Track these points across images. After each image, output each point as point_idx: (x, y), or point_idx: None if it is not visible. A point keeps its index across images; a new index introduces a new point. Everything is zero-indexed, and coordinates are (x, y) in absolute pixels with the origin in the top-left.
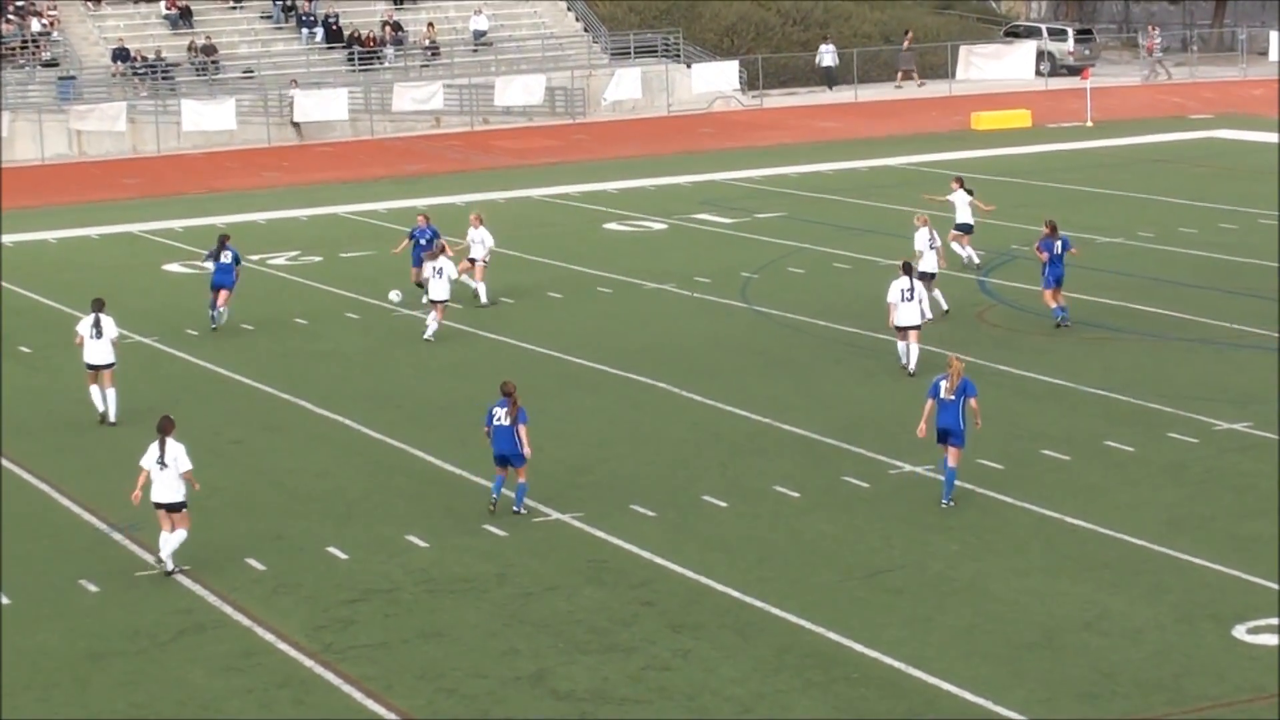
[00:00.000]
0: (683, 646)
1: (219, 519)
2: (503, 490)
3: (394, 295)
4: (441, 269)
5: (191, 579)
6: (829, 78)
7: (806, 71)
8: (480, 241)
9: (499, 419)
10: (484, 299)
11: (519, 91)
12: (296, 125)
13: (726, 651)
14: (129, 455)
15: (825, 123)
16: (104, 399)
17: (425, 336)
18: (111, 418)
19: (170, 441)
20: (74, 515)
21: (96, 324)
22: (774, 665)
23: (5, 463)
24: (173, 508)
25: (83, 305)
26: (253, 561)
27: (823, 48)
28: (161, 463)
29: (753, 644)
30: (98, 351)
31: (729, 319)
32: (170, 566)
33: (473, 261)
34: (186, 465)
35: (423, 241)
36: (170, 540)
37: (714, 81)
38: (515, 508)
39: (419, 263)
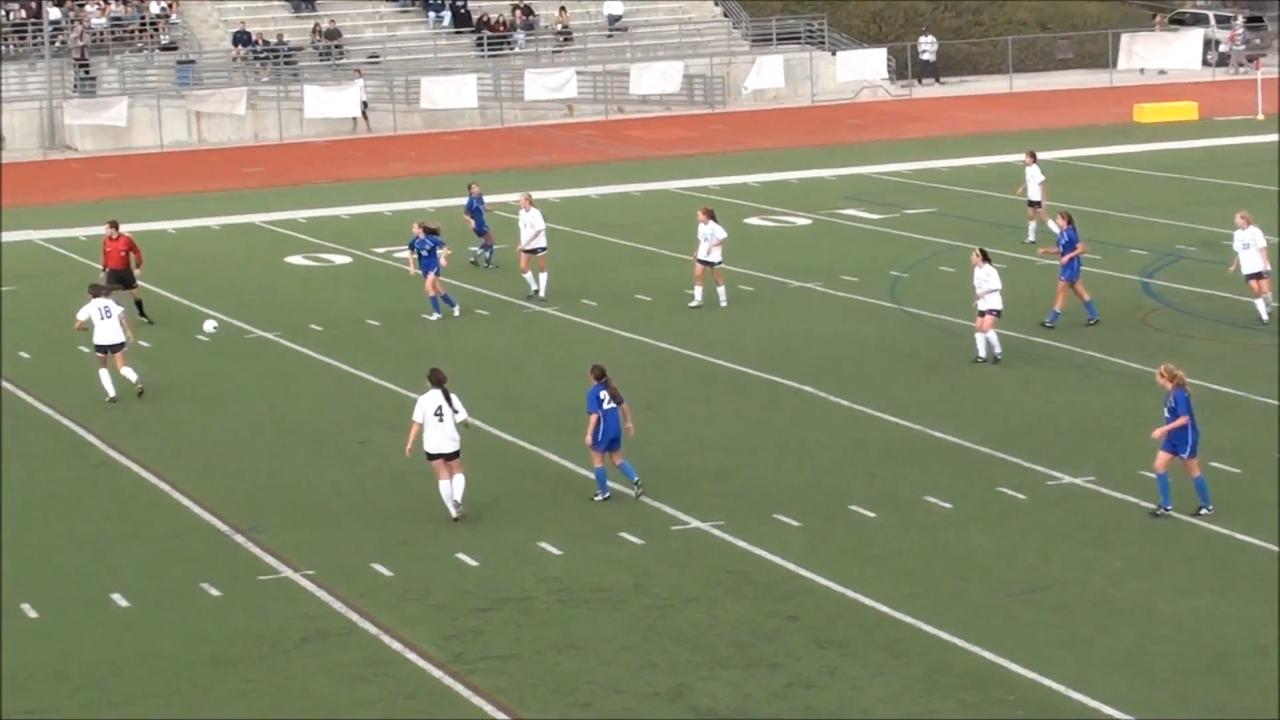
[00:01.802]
0: (829, 663)
1: (345, 522)
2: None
3: (209, 325)
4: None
5: (316, 584)
6: (929, 71)
7: (958, 60)
8: (530, 225)
9: (606, 402)
10: (541, 292)
11: (655, 79)
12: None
13: (875, 669)
14: (249, 456)
15: (978, 114)
16: (113, 381)
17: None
18: (112, 393)
19: (447, 393)
20: (195, 516)
21: (106, 306)
22: (925, 685)
23: (126, 462)
24: (451, 456)
25: (203, 298)
26: (379, 567)
27: (923, 41)
28: (439, 415)
29: (902, 662)
30: (108, 332)
31: (877, 320)
32: (458, 513)
33: (529, 253)
34: (464, 414)
35: (424, 253)
36: (455, 487)
37: (860, 70)
38: (637, 484)
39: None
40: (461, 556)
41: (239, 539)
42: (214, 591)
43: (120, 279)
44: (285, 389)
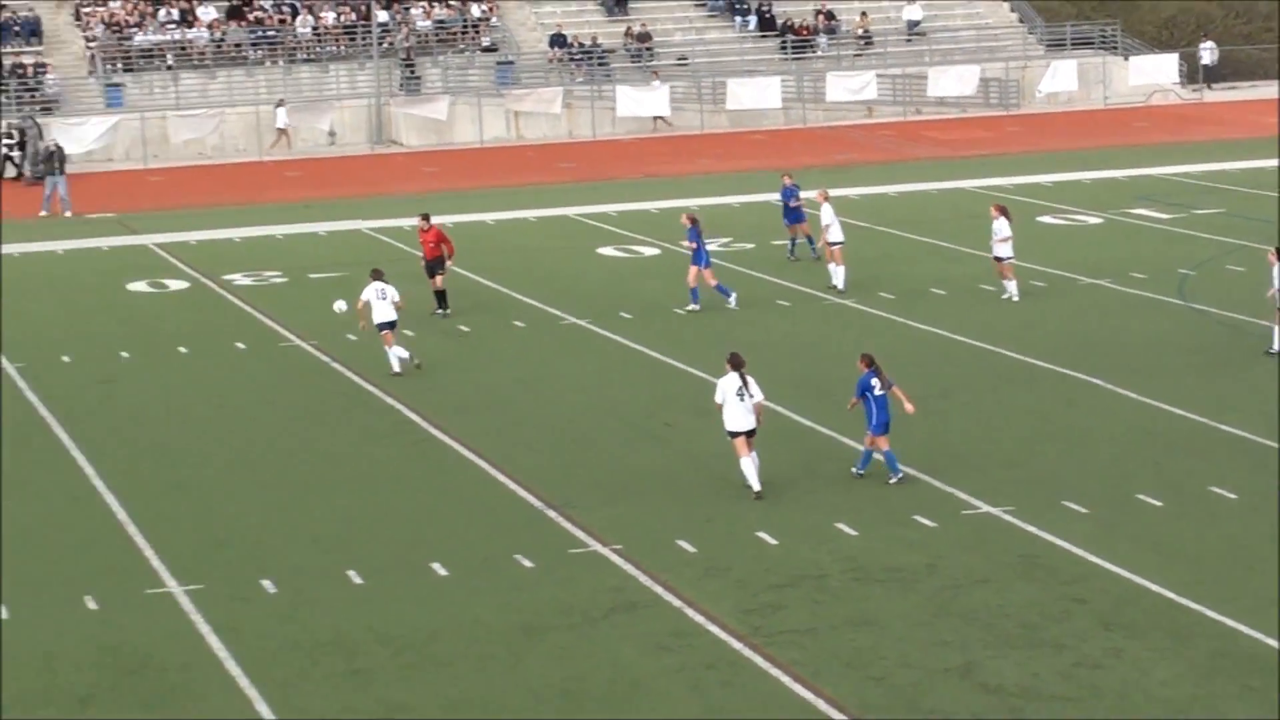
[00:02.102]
0: (1115, 645)
1: (652, 500)
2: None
3: (339, 306)
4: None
5: (624, 558)
6: (1210, 75)
7: (1249, 65)
8: (827, 219)
9: (877, 389)
10: (839, 284)
11: (952, 82)
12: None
13: (1159, 652)
14: (562, 436)
15: (1268, 118)
16: (394, 355)
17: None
18: (396, 368)
19: (744, 375)
20: (510, 492)
21: (383, 289)
22: (1208, 669)
23: (446, 439)
24: (750, 434)
25: (518, 286)
26: (684, 543)
27: (1202, 45)
28: (741, 395)
29: (1187, 646)
30: (385, 311)
31: (1165, 316)
32: (758, 487)
33: (831, 245)
34: (760, 396)
35: (695, 245)
36: (752, 463)
37: (1152, 74)
38: (899, 478)
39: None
40: (762, 535)
41: (551, 514)
42: (527, 563)
43: (431, 269)
44: (596, 373)
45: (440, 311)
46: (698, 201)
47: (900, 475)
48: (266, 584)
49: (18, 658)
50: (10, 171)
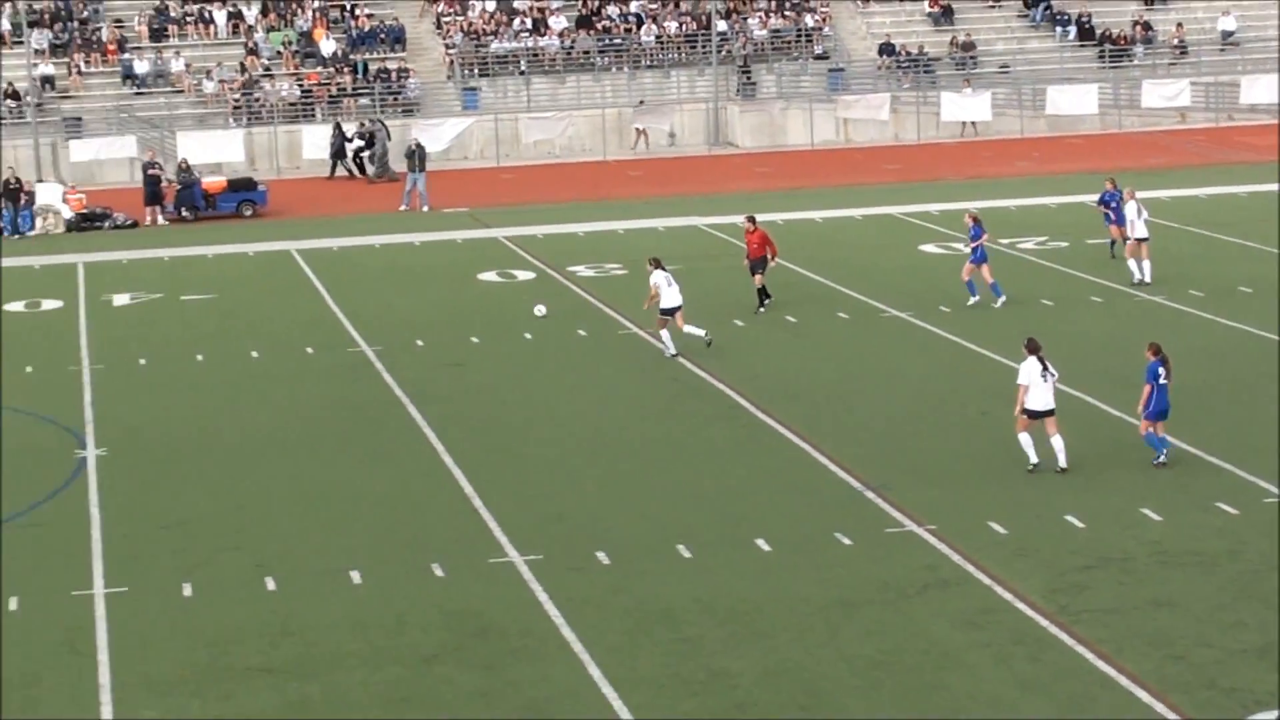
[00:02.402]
0: None
1: (966, 483)
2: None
3: (539, 310)
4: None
5: (937, 538)
6: None
7: None
8: (1132, 216)
9: (1161, 378)
10: (1146, 278)
11: (1265, 90)
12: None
13: None
14: (881, 420)
15: None
16: (673, 339)
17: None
18: (672, 350)
19: (1042, 359)
20: (830, 473)
21: (669, 277)
22: None
23: (772, 423)
24: (1048, 414)
25: (844, 280)
26: (995, 525)
27: None
28: (1043, 376)
29: None
30: (672, 297)
31: None
32: (1063, 464)
33: (1139, 241)
34: (1056, 375)
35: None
36: (1059, 442)
37: None
38: (1162, 461)
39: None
40: (1070, 518)
41: (870, 495)
42: (845, 541)
43: (754, 267)
44: (915, 363)
45: (762, 309)
46: (1016, 202)
47: (1163, 458)
48: (601, 556)
49: (370, 618)
50: (360, 169)
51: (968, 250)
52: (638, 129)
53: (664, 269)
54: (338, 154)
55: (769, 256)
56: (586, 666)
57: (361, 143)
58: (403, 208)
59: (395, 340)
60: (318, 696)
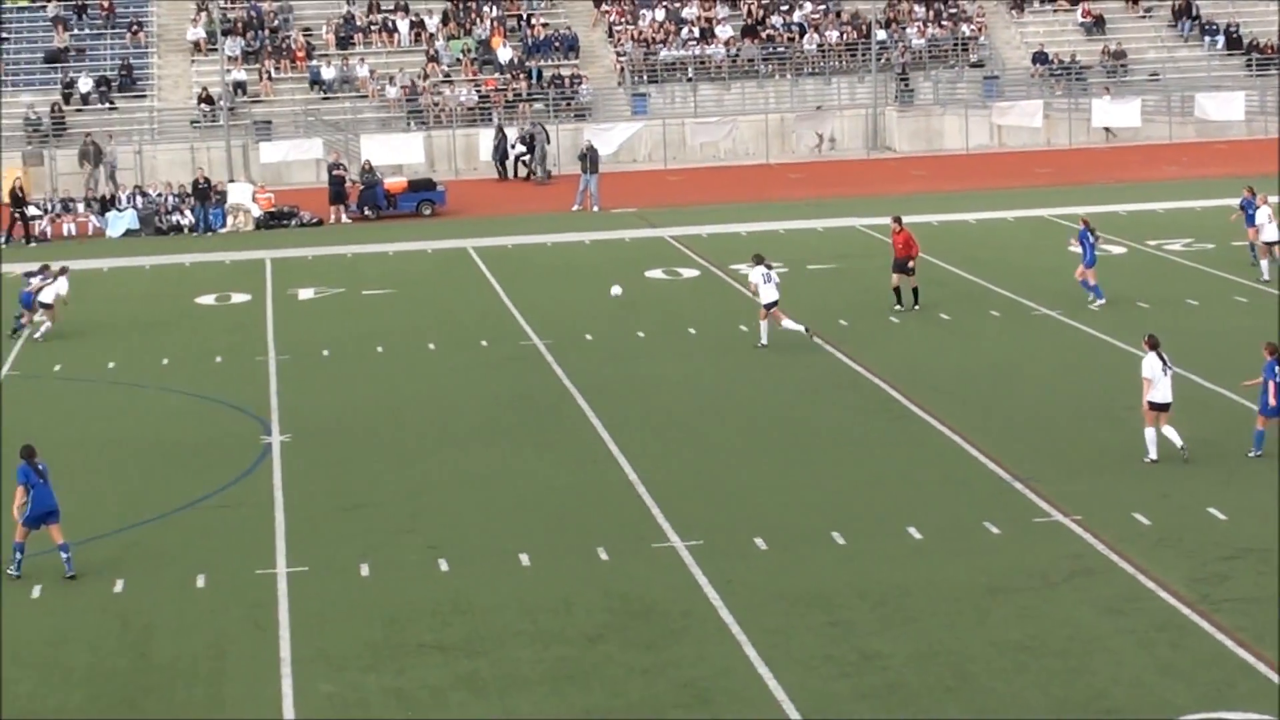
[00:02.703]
0: None
1: (1111, 475)
2: None
3: (615, 290)
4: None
5: (1083, 528)
6: None
7: None
8: (1269, 221)
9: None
10: (1267, 276)
11: None
12: (1108, 130)
13: None
14: (1029, 414)
15: None
16: (768, 333)
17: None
18: (764, 340)
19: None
20: (980, 464)
21: (767, 273)
22: None
23: (925, 416)
24: (1165, 407)
25: (997, 279)
26: (1139, 516)
27: None
28: (1165, 371)
29: None
30: (770, 292)
31: None
32: (1180, 443)
33: (1268, 244)
34: (1172, 370)
35: (1086, 245)
36: (1170, 432)
37: None
38: (1257, 452)
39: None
40: (1212, 510)
41: (1018, 486)
42: (994, 530)
43: (901, 267)
44: (1063, 360)
45: (900, 305)
46: (1163, 205)
47: (1259, 452)
48: (759, 542)
49: (538, 599)
50: (522, 172)
51: (1079, 251)
52: (818, 133)
53: (765, 265)
54: (501, 157)
55: (912, 257)
56: (743, 647)
57: (523, 147)
58: (575, 208)
59: (565, 334)
60: (486, 673)
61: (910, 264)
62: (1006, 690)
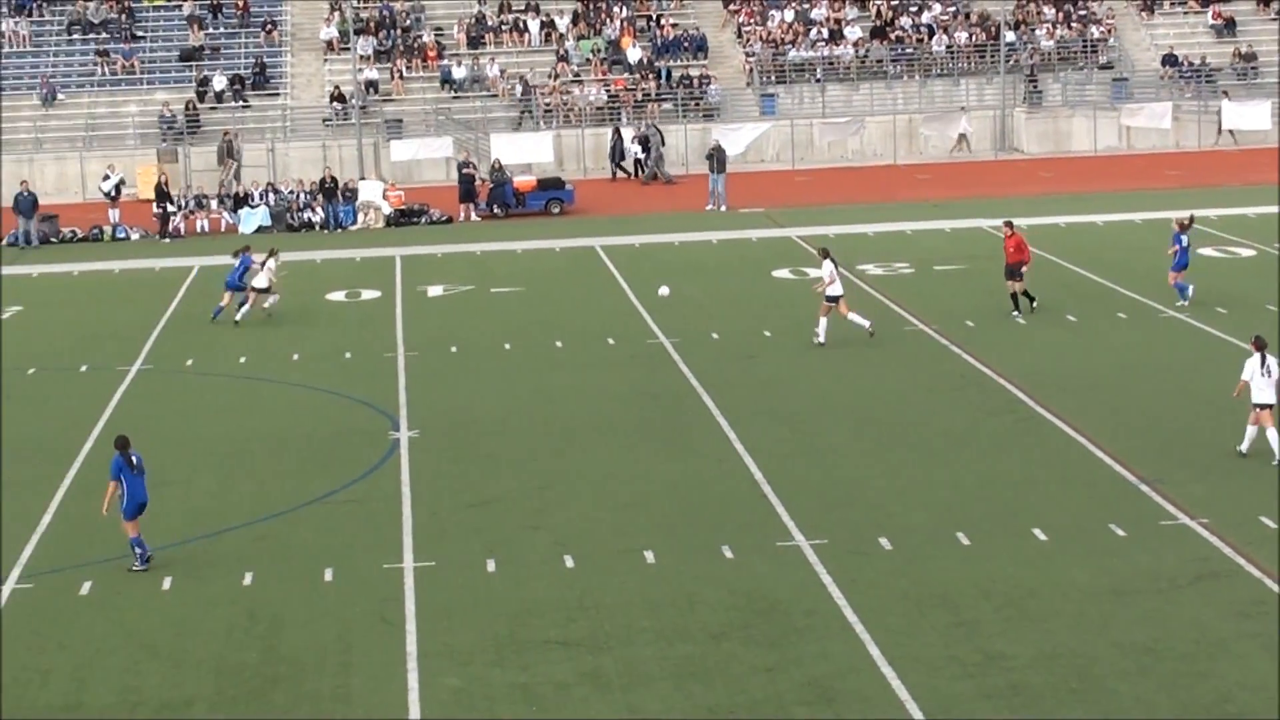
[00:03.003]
0: None
1: (1238, 478)
2: None
3: (663, 290)
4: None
5: (1209, 531)
6: None
7: None
8: None
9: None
10: None
11: None
12: (1230, 133)
13: None
14: (1156, 415)
15: None
16: (826, 329)
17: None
18: (821, 339)
19: (1265, 356)
20: (1106, 466)
21: (833, 268)
22: None
23: (1050, 417)
24: (1267, 407)
25: (1124, 281)
26: (1266, 520)
27: None
28: (1262, 372)
29: None
30: (836, 287)
31: None
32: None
33: None
34: (1276, 374)
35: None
36: (1273, 435)
37: None
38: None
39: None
40: None
41: (1144, 488)
42: (1120, 532)
43: (1010, 272)
44: (1191, 362)
45: (1017, 311)
46: None
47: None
48: (883, 541)
49: (662, 597)
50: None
51: (1171, 253)
52: (960, 134)
53: (833, 260)
54: (617, 157)
55: (1024, 262)
56: (867, 646)
57: (638, 147)
58: (709, 207)
59: (692, 332)
60: (611, 669)
61: (1023, 269)
62: (1130, 693)
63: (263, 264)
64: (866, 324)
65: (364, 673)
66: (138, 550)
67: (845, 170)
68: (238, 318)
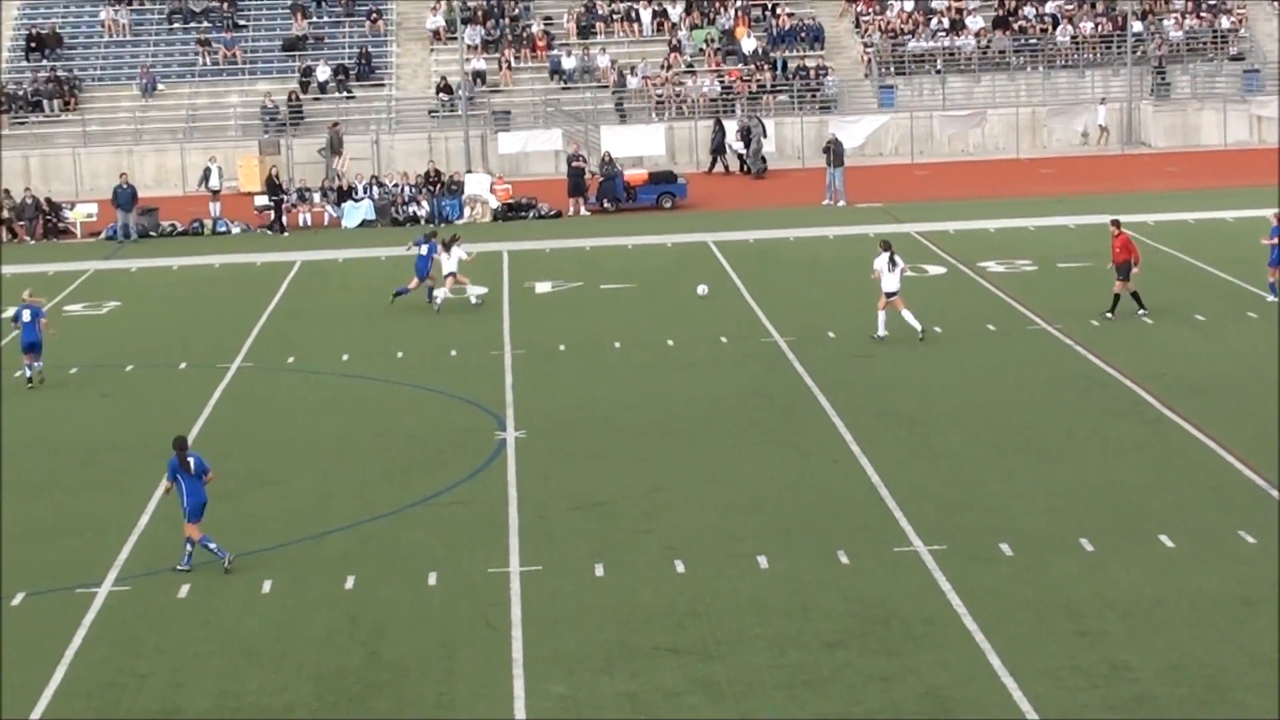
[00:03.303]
0: None
1: None
2: None
3: (701, 289)
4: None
5: None
6: None
7: None
8: None
9: None
10: None
11: None
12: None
13: None
14: (1270, 418)
15: None
16: (886, 323)
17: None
18: (883, 332)
19: None
20: (1236, 471)
21: (891, 259)
22: None
23: (1178, 419)
24: None
25: (1255, 279)
26: None
27: None
28: None
29: None
30: (891, 281)
31: None
32: None
33: None
34: None
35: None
36: None
37: None
38: None
39: None
40: None
41: (1275, 493)
42: (1249, 539)
43: (1119, 272)
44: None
45: (1110, 315)
46: None
47: None
48: (1004, 547)
49: (775, 603)
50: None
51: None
52: (1100, 125)
53: (891, 253)
54: (718, 150)
55: (1132, 262)
56: (986, 655)
57: (740, 142)
58: (825, 202)
59: (807, 331)
60: (722, 677)
61: (1133, 268)
62: (1260, 705)
63: (446, 248)
64: (918, 326)
65: (468, 680)
66: (189, 549)
67: (966, 164)
68: (437, 305)
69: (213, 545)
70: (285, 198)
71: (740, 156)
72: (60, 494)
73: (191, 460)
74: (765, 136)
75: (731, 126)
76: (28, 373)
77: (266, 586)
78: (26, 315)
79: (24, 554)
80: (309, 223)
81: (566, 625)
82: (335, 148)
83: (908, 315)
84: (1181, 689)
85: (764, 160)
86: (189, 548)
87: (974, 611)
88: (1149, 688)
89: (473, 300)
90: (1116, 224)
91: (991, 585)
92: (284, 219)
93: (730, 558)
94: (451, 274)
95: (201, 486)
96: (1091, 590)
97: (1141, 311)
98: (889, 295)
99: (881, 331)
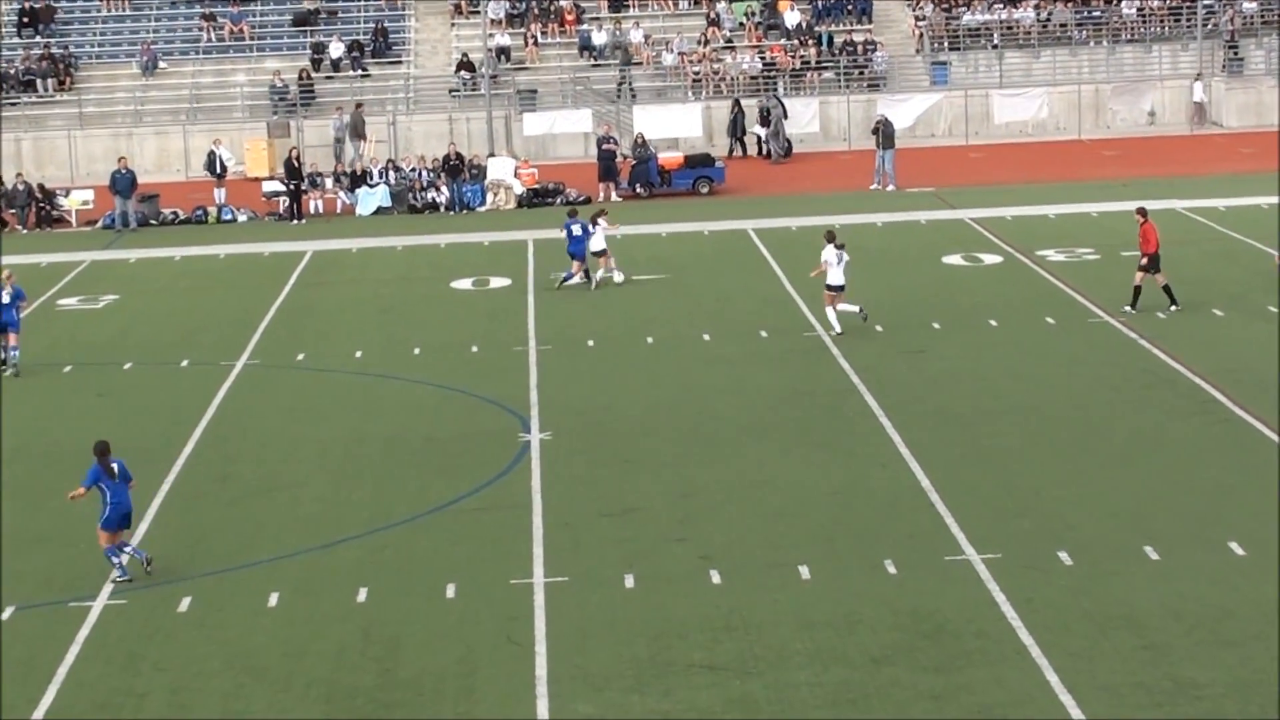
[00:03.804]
0: None
1: None
2: None
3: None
4: None
5: None
6: None
7: None
8: None
9: None
10: None
11: None
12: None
13: None
14: None
15: None
16: (838, 318)
17: None
18: (837, 328)
19: None
20: None
21: (839, 254)
22: None
23: (1250, 419)
24: None
25: None
26: None
27: None
28: None
29: None
30: (837, 275)
31: None
32: None
33: None
34: None
35: None
36: None
37: None
38: None
39: None
40: None
41: None
42: None
43: (1152, 262)
44: None
45: (1131, 309)
46: None
47: None
48: (1062, 555)
49: (818, 616)
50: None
51: None
52: (1197, 102)
53: (837, 245)
54: (742, 133)
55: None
56: (1044, 671)
57: (760, 126)
58: (874, 186)
59: (853, 325)
60: (761, 696)
61: (1158, 258)
62: None
63: (593, 223)
64: (856, 308)
65: (489, 699)
66: (114, 560)
67: (1024, 145)
68: (594, 286)
69: (128, 549)
70: (306, 183)
71: (759, 139)
72: (51, 501)
73: (115, 466)
74: (786, 118)
75: (752, 109)
76: (3, 355)
77: (274, 599)
78: (5, 296)
79: (13, 565)
80: (320, 210)
81: (594, 640)
82: (358, 131)
83: (843, 306)
84: (1252, 707)
85: (788, 142)
86: (114, 558)
87: (1030, 625)
88: (1217, 706)
89: (616, 279)
90: (1143, 212)
91: (1049, 596)
92: (288, 206)
93: (770, 567)
94: (603, 251)
95: (128, 494)
96: (1156, 602)
97: (1174, 306)
98: (835, 290)
99: (836, 329)
